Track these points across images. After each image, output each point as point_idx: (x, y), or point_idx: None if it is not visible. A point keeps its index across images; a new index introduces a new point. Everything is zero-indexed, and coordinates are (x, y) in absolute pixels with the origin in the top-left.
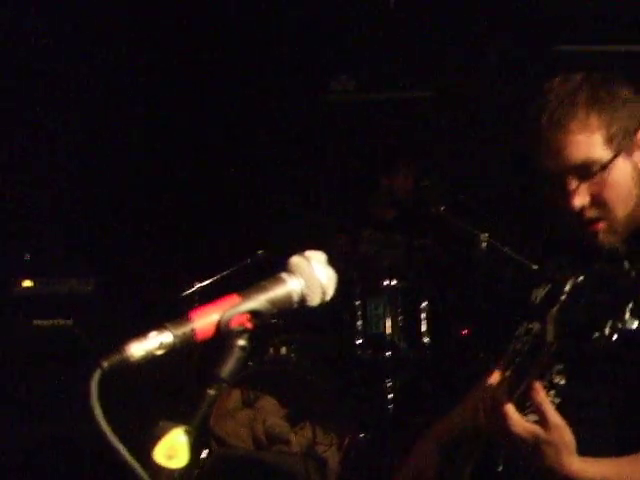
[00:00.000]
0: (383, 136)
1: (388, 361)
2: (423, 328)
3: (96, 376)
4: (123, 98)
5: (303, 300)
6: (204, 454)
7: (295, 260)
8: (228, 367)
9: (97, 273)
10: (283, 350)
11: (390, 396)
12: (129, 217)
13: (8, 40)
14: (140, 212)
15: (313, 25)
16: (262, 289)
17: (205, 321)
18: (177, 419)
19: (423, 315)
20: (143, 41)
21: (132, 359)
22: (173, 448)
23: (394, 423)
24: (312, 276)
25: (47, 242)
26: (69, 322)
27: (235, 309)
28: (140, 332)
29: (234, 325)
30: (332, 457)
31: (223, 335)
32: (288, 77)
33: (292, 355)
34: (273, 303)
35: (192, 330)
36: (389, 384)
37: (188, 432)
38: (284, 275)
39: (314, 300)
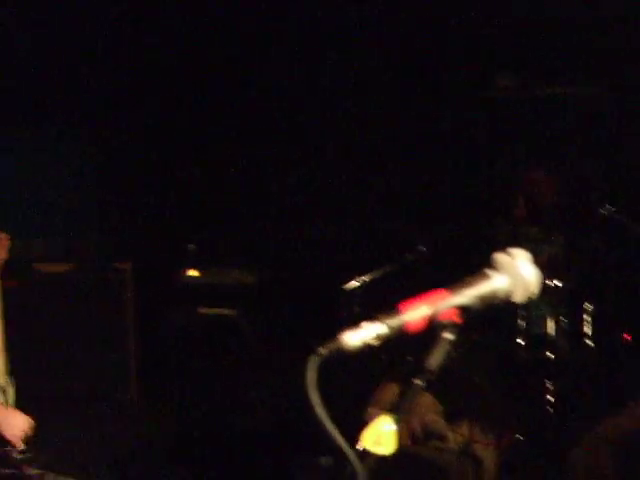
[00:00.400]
0: (544, 132)
1: (550, 362)
2: (586, 330)
3: (314, 362)
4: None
5: (508, 296)
6: (360, 447)
7: (500, 257)
8: (435, 359)
9: (261, 264)
10: None
11: (550, 398)
12: (293, 210)
13: None
14: (303, 206)
15: (478, 20)
16: (469, 285)
17: (416, 314)
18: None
19: (586, 317)
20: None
21: (348, 348)
22: (380, 435)
23: (554, 425)
24: (517, 273)
25: (212, 233)
26: (232, 312)
27: (445, 303)
28: (353, 323)
29: (443, 319)
30: (488, 457)
31: (432, 328)
32: (453, 73)
33: (452, 352)
34: (480, 299)
35: (404, 322)
36: (550, 386)
37: (395, 420)
38: (490, 272)
39: (518, 297)
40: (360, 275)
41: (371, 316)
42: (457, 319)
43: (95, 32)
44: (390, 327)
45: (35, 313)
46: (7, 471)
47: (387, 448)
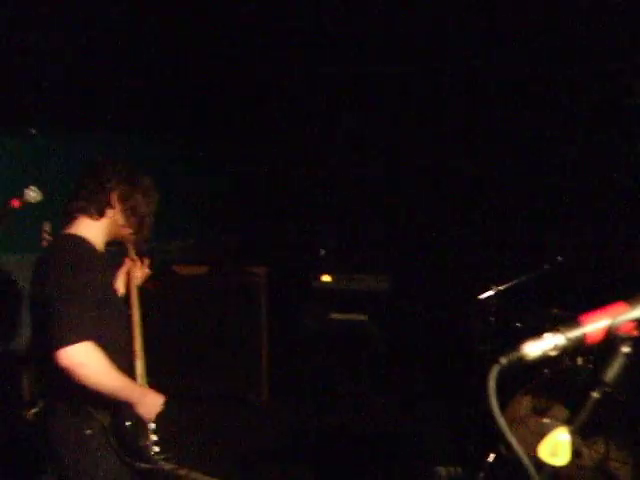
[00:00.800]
0: None
1: None
2: None
3: (495, 371)
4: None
5: None
6: (491, 458)
7: None
8: (612, 372)
9: (393, 272)
10: (580, 360)
11: None
12: (428, 218)
13: None
14: (438, 214)
15: (615, 26)
16: None
17: (595, 326)
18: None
19: None
20: None
21: (528, 358)
22: (556, 446)
23: None
24: None
25: (346, 240)
26: (363, 318)
27: (624, 316)
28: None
29: (621, 332)
30: (625, 475)
31: (610, 341)
32: (589, 79)
33: (589, 366)
34: None
35: (583, 334)
36: None
37: (571, 432)
38: None
39: None
40: (495, 284)
41: (505, 326)
42: (635, 332)
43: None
44: (569, 339)
45: (172, 314)
46: (144, 465)
47: (563, 459)
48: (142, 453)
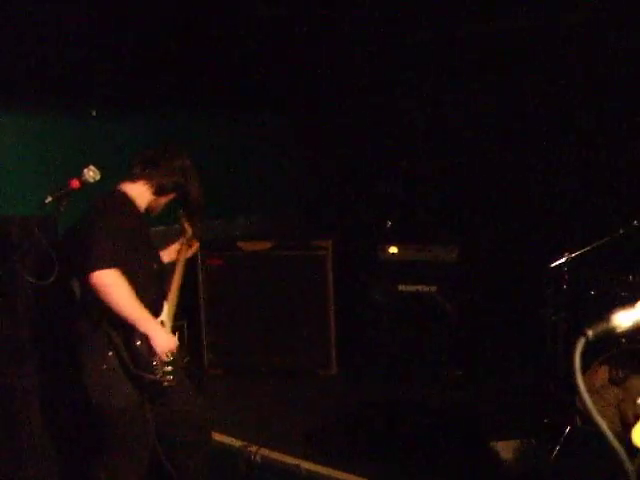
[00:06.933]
0: None
1: None
2: None
3: (580, 345)
4: None
5: None
6: (567, 430)
7: None
8: None
9: (461, 241)
10: None
11: None
12: (496, 186)
13: None
14: (508, 181)
15: None
16: None
17: None
18: None
19: None
20: None
21: (619, 329)
22: None
23: None
24: None
25: (412, 210)
26: (432, 288)
27: None
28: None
29: None
30: None
31: None
32: None
33: None
34: None
35: None
36: None
37: None
38: None
39: None
40: (568, 251)
41: (579, 294)
42: None
43: None
44: None
45: (238, 290)
46: (149, 376)
47: None
48: (149, 367)
